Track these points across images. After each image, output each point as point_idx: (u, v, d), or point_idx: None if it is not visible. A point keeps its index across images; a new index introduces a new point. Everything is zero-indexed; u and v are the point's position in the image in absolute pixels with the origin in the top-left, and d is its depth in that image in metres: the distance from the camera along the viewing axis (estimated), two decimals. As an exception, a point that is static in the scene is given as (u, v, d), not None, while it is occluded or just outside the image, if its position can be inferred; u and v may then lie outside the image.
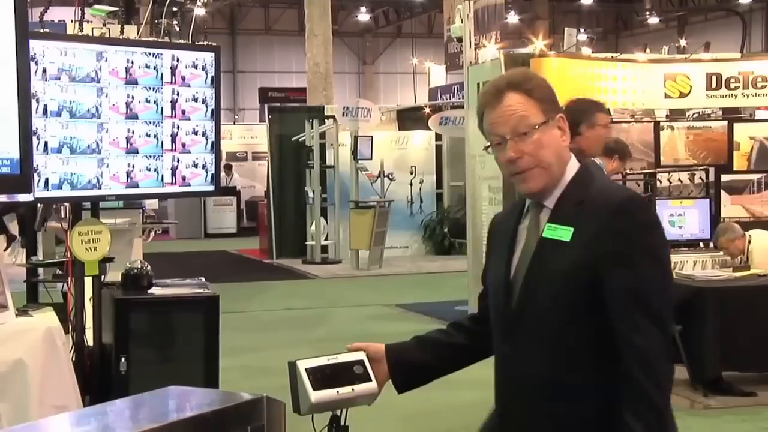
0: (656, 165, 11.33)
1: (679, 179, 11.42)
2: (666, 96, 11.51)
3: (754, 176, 11.51)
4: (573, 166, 3.06)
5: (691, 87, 11.50)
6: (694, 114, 11.59)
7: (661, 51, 13.05)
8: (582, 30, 28.50)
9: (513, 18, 32.96)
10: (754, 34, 34.62)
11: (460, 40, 14.43)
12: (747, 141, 11.48)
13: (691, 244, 10.87)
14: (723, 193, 11.40)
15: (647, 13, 39.04)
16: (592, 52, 12.66)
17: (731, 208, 10.51)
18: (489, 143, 3.08)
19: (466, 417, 8.17)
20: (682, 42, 32.69)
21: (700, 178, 11.46)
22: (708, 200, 11.09)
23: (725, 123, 11.51)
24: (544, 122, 2.97)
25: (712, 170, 11.47)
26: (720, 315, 8.54)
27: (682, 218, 10.76)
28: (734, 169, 11.49)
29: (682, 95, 11.51)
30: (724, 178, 11.47)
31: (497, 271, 3.15)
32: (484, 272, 3.35)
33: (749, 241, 9.45)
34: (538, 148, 2.96)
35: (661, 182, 11.32)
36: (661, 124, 11.48)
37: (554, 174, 3.00)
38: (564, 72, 11.14)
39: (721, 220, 10.76)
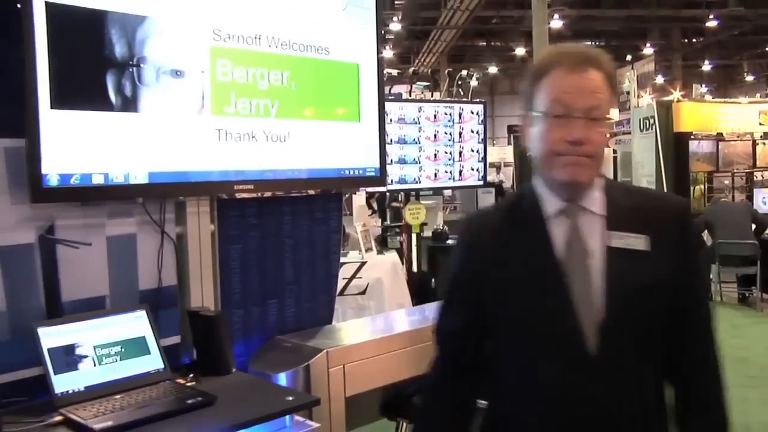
0: (753, 166, 10.50)
1: (768, 175, 10.57)
2: (760, 124, 10.62)
3: (819, 173, 10.52)
4: None
5: (777, 118, 10.61)
6: (778, 135, 10.62)
7: (756, 96, 12.08)
8: (703, 85, 26.44)
9: (660, 79, 30.91)
10: (819, 83, 31.20)
11: (627, 93, 13.90)
12: (814, 151, 10.52)
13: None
14: (798, 184, 10.49)
15: (745, 73, 36.18)
16: (712, 98, 11.91)
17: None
18: (539, 108, 1.41)
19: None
20: (770, 90, 29.96)
21: (782, 174, 10.54)
22: (788, 188, 10.36)
23: (799, 140, 10.54)
24: (610, 117, 1.41)
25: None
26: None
27: (771, 199, 10.16)
28: (805, 169, 10.55)
29: (771, 123, 10.64)
30: (799, 174, 10.54)
31: (538, 287, 1.41)
32: (464, 292, 1.55)
33: None
34: (603, 141, 1.39)
35: (756, 177, 10.43)
36: (757, 141, 10.58)
37: (597, 173, 1.44)
38: (694, 111, 10.41)
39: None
